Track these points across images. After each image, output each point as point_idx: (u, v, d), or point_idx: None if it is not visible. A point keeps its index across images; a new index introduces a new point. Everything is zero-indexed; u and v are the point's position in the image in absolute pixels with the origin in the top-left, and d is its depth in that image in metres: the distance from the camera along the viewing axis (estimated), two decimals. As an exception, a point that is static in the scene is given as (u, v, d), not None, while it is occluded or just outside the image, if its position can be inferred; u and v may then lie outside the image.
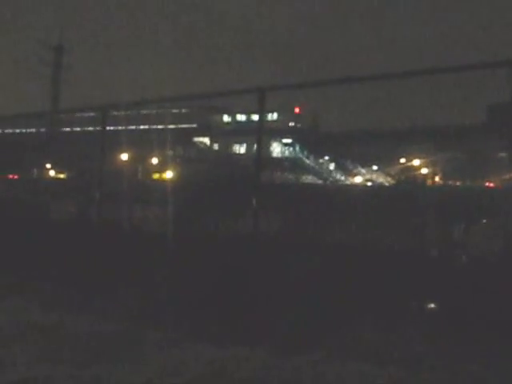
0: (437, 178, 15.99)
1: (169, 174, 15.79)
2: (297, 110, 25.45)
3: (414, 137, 15.94)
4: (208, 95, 13.52)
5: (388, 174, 17.00)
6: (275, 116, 23.19)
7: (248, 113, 22.78)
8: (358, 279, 8.27)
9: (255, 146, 9.81)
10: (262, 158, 9.78)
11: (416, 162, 15.86)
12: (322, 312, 8.01)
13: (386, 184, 16.47)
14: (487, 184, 14.34)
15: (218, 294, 8.88)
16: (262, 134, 9.74)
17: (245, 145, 21.66)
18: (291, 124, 25.24)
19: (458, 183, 15.77)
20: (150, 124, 17.20)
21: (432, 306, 7.94)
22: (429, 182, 15.51)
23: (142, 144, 15.45)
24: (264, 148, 11.73)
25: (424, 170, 15.87)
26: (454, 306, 7.70)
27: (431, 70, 8.89)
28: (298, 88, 10.19)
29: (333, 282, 8.44)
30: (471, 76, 8.64)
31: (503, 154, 14.10)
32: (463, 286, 7.71)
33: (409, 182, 14.47)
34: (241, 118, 25.48)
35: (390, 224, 9.48)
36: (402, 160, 16.59)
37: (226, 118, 26.51)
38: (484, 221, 9.92)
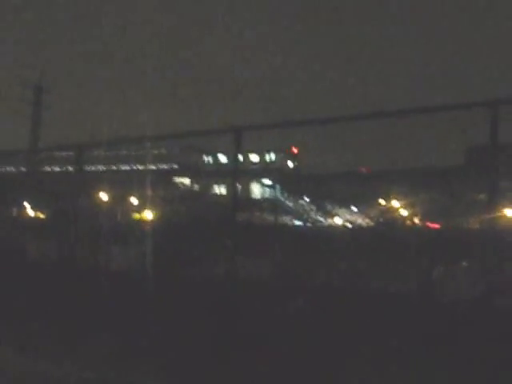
0: (416, 220, 15.98)
1: (148, 215, 15.68)
2: (295, 150, 25.45)
3: (394, 178, 15.95)
4: (185, 134, 13.50)
5: (367, 216, 16.95)
6: (273, 157, 23.17)
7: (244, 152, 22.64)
8: (335, 322, 8.19)
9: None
10: (239, 199, 9.73)
11: (395, 204, 15.84)
12: (302, 361, 7.91)
13: (364, 225, 16.43)
14: (429, 224, 14.26)
15: (196, 338, 8.78)
16: (237, 174, 9.71)
17: (224, 186, 21.54)
18: (290, 164, 25.23)
19: (436, 225, 15.73)
20: (130, 164, 17.11)
21: (408, 347, 7.84)
22: (408, 223, 15.49)
23: (121, 184, 15.36)
24: (243, 189, 11.69)
25: (403, 212, 15.85)
26: (435, 347, 7.62)
27: (408, 110, 8.90)
28: (273, 128, 10.19)
29: (311, 325, 8.35)
30: (450, 117, 8.65)
31: (482, 196, 14.11)
32: (439, 325, 7.64)
33: (387, 224, 14.43)
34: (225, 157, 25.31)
35: (366, 266, 9.43)
36: (382, 201, 16.55)
37: (207, 159, 26.44)
38: (464, 263, 9.88)
